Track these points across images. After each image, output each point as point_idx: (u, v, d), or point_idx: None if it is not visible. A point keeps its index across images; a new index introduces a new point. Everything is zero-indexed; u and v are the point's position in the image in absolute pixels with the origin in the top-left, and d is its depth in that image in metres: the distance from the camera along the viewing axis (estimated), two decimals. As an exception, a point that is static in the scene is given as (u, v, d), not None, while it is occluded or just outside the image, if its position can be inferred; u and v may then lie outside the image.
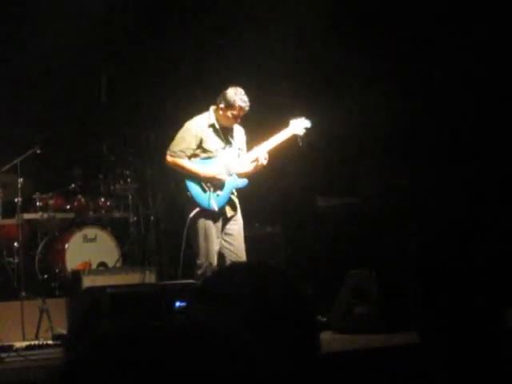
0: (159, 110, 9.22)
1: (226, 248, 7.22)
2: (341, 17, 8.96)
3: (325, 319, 7.18)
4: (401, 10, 8.65)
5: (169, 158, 7.25)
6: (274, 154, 7.60)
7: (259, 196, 8.94)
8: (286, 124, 7.43)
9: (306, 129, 7.43)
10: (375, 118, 8.73)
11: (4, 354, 6.19)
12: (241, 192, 7.50)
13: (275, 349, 1.09)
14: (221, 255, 7.19)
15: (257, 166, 7.27)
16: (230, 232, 7.26)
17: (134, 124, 9.48)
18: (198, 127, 7.23)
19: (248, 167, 7.32)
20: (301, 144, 7.38)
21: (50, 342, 6.98)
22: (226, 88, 7.17)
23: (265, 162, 7.25)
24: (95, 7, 9.13)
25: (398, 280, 6.88)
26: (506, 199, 7.86)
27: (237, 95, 7.09)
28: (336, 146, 8.95)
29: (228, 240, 7.24)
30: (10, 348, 6.46)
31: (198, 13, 9.39)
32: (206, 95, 7.64)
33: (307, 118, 7.48)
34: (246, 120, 7.32)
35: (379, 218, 8.46)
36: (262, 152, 7.25)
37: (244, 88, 7.20)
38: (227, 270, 1.87)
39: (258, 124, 7.48)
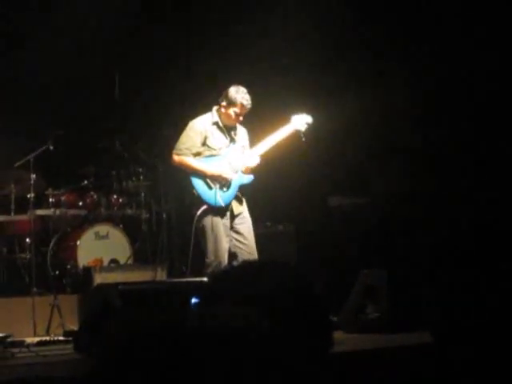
0: (172, 107, 9.22)
1: (238, 247, 7.22)
2: (343, 11, 8.94)
3: (336, 319, 7.16)
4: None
5: (175, 157, 7.28)
6: (285, 154, 7.60)
7: (271, 195, 8.95)
8: (287, 120, 7.42)
9: (308, 124, 7.40)
10: (388, 118, 8.71)
11: (15, 350, 6.20)
12: (253, 191, 7.50)
13: (288, 346, 1.09)
14: (233, 254, 7.19)
15: (249, 168, 7.29)
16: (240, 231, 7.26)
17: (146, 121, 9.49)
18: (202, 125, 7.28)
19: (247, 165, 7.33)
20: (304, 139, 7.37)
21: (61, 338, 6.98)
22: (228, 87, 7.21)
23: (254, 164, 7.26)
24: (109, 5, 9.15)
25: (409, 280, 6.86)
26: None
27: (238, 93, 7.16)
28: (348, 146, 8.93)
29: (239, 239, 7.25)
30: (21, 343, 6.47)
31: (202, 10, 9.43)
32: (216, 93, 7.64)
33: (309, 113, 7.46)
34: (249, 117, 7.34)
35: (391, 218, 8.44)
36: (253, 156, 7.26)
37: (247, 85, 7.23)
38: (238, 269, 1.86)
39: (260, 121, 7.49)
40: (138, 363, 1.04)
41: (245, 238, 7.26)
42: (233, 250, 7.21)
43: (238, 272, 1.76)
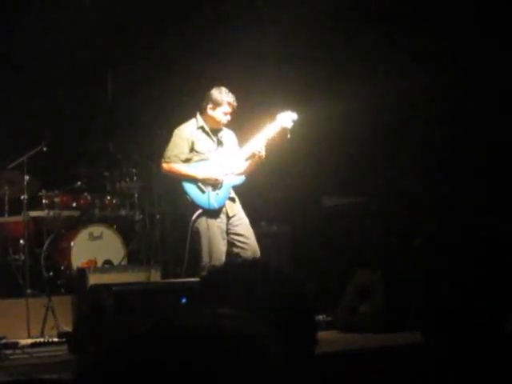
0: (166, 107, 9.22)
1: (241, 248, 7.23)
2: (332, 5, 8.93)
3: (330, 318, 7.17)
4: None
5: (164, 166, 7.33)
6: (279, 153, 7.61)
7: (265, 195, 8.94)
8: (273, 119, 7.39)
9: (294, 121, 7.36)
10: (383, 117, 8.70)
11: (9, 351, 6.20)
12: (248, 191, 7.51)
13: (273, 346, 1.09)
14: (237, 255, 7.18)
15: (254, 160, 7.29)
16: (239, 232, 7.28)
17: (140, 122, 9.48)
18: (188, 131, 7.33)
19: (243, 165, 7.35)
20: (289, 136, 7.35)
21: (55, 339, 6.98)
22: (209, 90, 7.30)
23: (263, 154, 7.26)
24: (103, 2, 9.14)
25: (403, 279, 6.87)
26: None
27: (222, 93, 7.25)
28: (343, 145, 8.93)
29: (240, 240, 7.26)
30: (15, 345, 6.47)
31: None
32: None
33: (295, 111, 7.41)
34: (233, 119, 7.36)
35: (385, 218, 8.44)
36: (258, 146, 7.26)
37: (236, 85, 7.38)
38: (221, 269, 1.87)
39: (245, 122, 7.50)
40: (132, 363, 1.04)
41: (246, 237, 7.29)
42: (236, 251, 7.23)
43: (219, 273, 1.77)
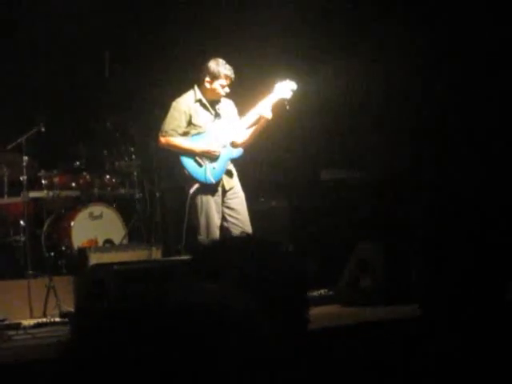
0: (163, 85, 9.18)
1: (232, 222, 7.22)
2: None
3: (331, 293, 7.20)
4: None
5: (162, 139, 7.29)
6: (277, 127, 7.58)
7: (263, 170, 8.94)
8: (271, 89, 7.26)
9: (293, 91, 7.24)
10: (381, 90, 8.67)
11: (12, 332, 6.23)
12: (245, 165, 7.50)
13: (265, 323, 1.09)
14: (226, 230, 7.19)
15: (260, 123, 7.22)
16: (232, 206, 7.27)
17: (138, 100, 9.46)
18: (186, 104, 7.27)
19: (245, 134, 7.31)
20: (288, 107, 7.23)
21: (57, 319, 7.01)
22: (207, 62, 7.22)
23: (270, 116, 7.17)
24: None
25: (404, 253, 6.88)
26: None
27: (219, 65, 7.16)
28: (341, 119, 8.91)
29: (232, 214, 7.25)
30: (17, 326, 6.50)
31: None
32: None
33: (293, 79, 7.29)
34: (232, 90, 7.30)
35: (384, 191, 8.44)
36: (264, 108, 7.18)
37: (233, 55, 7.35)
38: (214, 246, 1.87)
39: (244, 92, 7.46)
40: (124, 337, 1.05)
41: (237, 212, 7.26)
42: (226, 225, 7.22)
43: (211, 250, 1.77)
